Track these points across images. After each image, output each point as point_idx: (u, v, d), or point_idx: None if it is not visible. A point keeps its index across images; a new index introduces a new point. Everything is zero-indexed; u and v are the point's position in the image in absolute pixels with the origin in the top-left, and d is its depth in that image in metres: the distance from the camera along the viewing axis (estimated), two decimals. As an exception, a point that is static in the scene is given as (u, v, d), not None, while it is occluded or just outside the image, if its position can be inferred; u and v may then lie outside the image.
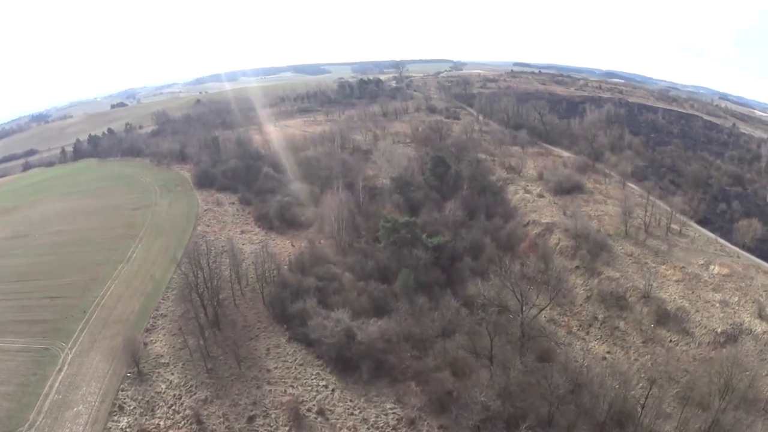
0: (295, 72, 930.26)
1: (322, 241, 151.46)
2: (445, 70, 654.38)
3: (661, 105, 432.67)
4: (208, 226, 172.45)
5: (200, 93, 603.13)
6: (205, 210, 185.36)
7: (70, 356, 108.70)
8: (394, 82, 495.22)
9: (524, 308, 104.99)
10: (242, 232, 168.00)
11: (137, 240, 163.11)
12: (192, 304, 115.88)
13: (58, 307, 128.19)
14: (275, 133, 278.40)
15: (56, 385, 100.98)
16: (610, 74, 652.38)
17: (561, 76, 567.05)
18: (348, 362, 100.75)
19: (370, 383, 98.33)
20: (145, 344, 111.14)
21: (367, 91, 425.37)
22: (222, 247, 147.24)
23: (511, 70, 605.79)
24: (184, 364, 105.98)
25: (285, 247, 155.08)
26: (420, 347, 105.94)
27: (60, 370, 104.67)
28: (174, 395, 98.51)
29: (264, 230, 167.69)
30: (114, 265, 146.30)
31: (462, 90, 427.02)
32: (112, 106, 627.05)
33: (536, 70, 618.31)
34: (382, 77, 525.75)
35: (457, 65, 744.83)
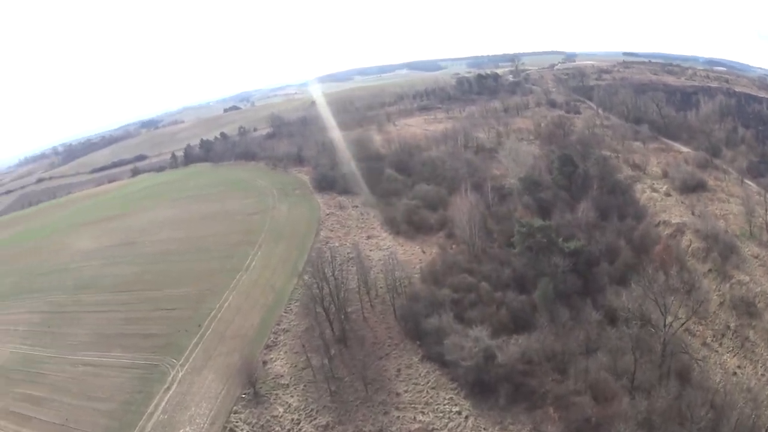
0: (410, 69, 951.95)
1: (453, 246, 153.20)
2: (559, 62, 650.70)
3: (764, 95, 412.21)
4: (332, 231, 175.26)
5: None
6: (327, 214, 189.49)
7: (181, 374, 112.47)
8: (511, 76, 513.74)
9: (666, 321, 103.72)
10: (368, 237, 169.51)
11: (256, 247, 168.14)
12: (317, 318, 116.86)
13: (171, 320, 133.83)
14: (395, 133, 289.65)
15: (163, 404, 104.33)
16: (712, 62, 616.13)
17: (671, 65, 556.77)
18: (485, 386, 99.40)
19: (506, 409, 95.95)
20: (264, 363, 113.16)
21: (485, 86, 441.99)
22: (348, 254, 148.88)
23: (623, 60, 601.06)
24: (305, 386, 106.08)
25: (415, 254, 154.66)
26: (560, 368, 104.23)
27: (168, 388, 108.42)
28: (292, 420, 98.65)
29: (392, 235, 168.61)
30: (231, 274, 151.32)
31: (579, 82, 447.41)
32: (225, 110, 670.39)
33: (646, 60, 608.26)
34: (499, 71, 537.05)
35: (570, 56, 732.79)
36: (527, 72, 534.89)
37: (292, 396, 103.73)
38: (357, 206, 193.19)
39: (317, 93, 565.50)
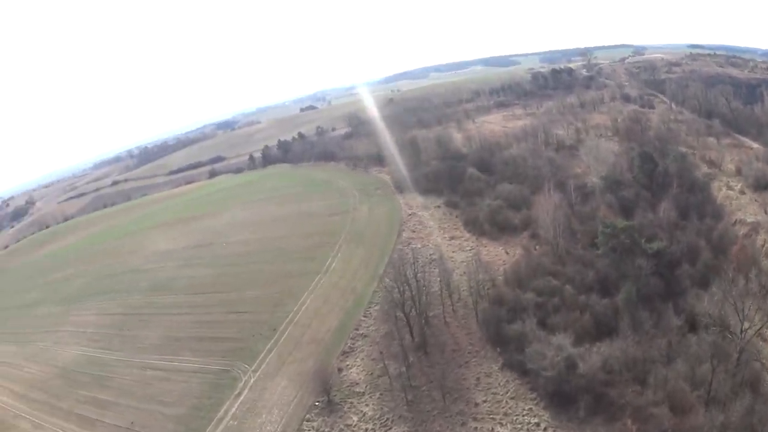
0: (485, 65, 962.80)
1: (537, 247, 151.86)
2: (629, 55, 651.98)
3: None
4: (414, 232, 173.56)
5: (391, 92, 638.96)
6: (409, 215, 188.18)
7: (253, 380, 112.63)
8: (584, 70, 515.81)
9: (743, 327, 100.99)
10: (451, 238, 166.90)
11: (336, 248, 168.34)
12: (396, 323, 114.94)
13: (245, 323, 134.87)
14: (475, 131, 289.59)
15: (233, 410, 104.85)
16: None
17: (735, 57, 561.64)
18: (565, 397, 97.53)
19: (585, 421, 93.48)
20: (340, 369, 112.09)
21: (560, 81, 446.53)
22: (430, 255, 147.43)
23: (689, 53, 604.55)
24: (381, 394, 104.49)
25: (498, 255, 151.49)
26: (640, 377, 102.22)
27: (239, 394, 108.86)
28: (366, 429, 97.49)
29: (475, 236, 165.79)
30: (310, 277, 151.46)
31: (650, 76, 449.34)
32: (302, 110, 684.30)
33: (710, 52, 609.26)
34: (572, 66, 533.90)
35: (638, 50, 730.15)
36: (600, 66, 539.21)
37: (367, 405, 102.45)
38: (439, 206, 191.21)
39: (393, 91, 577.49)
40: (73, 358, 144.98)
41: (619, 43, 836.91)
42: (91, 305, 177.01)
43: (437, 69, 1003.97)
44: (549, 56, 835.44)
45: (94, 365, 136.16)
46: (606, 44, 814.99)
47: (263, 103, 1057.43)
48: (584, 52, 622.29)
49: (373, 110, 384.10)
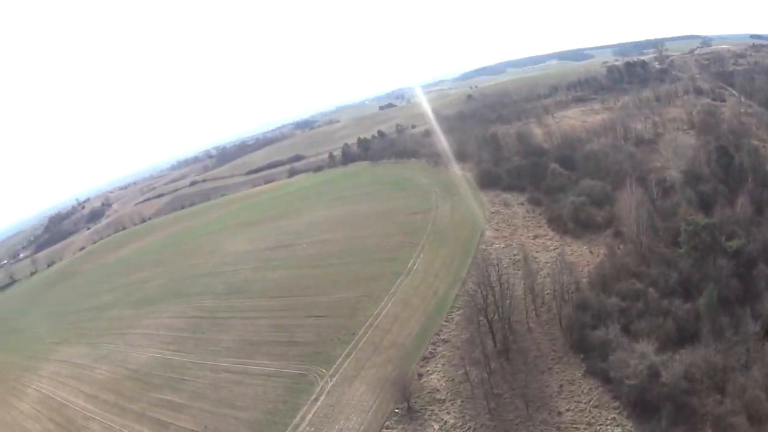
0: (560, 59, 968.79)
1: (620, 246, 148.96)
2: (697, 47, 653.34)
3: None
4: (497, 230, 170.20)
5: (470, 88, 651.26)
6: (492, 213, 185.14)
7: (330, 385, 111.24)
8: (656, 63, 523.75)
9: None
10: (535, 237, 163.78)
11: (418, 249, 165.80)
12: (479, 328, 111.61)
13: (323, 327, 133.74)
14: (555, 126, 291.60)
15: (309, 416, 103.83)
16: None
17: None
18: (647, 405, 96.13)
19: (668, 431, 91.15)
20: (420, 375, 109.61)
21: (635, 74, 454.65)
22: (513, 255, 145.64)
23: (752, 44, 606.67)
24: (463, 402, 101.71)
25: (583, 255, 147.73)
26: (719, 386, 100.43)
27: (316, 399, 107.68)
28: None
29: (558, 234, 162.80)
30: (392, 279, 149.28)
31: (719, 68, 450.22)
32: (381, 108, 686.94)
33: None
34: (644, 58, 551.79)
35: (706, 41, 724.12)
36: (671, 58, 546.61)
37: (448, 412, 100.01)
38: (523, 203, 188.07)
39: (471, 87, 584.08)
40: (146, 360, 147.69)
41: (687, 33, 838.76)
42: (166, 308, 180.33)
43: (514, 64, 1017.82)
44: (621, 49, 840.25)
45: (167, 368, 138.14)
46: (675, 35, 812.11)
47: (342, 101, 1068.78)
48: (655, 44, 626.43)
49: (428, 113, 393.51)
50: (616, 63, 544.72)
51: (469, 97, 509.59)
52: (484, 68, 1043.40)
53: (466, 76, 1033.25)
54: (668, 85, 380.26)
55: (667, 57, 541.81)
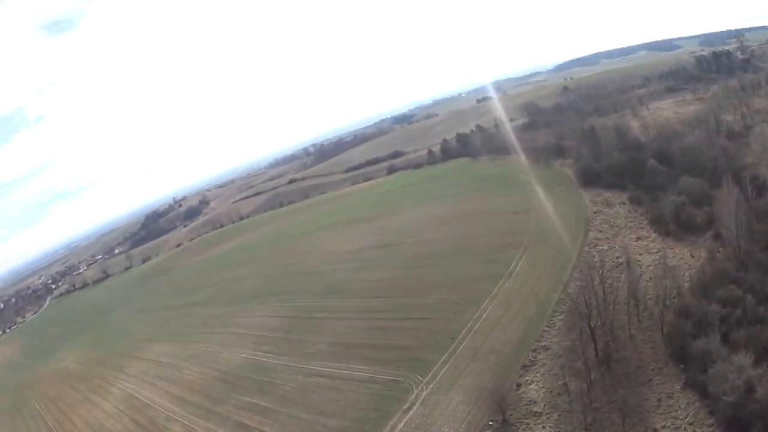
0: (649, 49, 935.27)
1: (720, 250, 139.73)
2: None
3: None
4: (600, 231, 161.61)
5: (565, 79, 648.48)
6: (594, 212, 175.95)
7: (425, 393, 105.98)
8: (739, 53, 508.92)
9: None
10: (637, 238, 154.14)
11: (520, 250, 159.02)
12: (581, 335, 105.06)
13: (421, 331, 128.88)
14: (650, 118, 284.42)
15: (401, 425, 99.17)
16: None
17: None
18: (740, 423, 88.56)
19: None
20: (518, 385, 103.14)
21: (721, 64, 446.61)
22: (616, 258, 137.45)
23: None
24: (560, 416, 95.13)
25: (684, 258, 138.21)
26: None
27: (409, 408, 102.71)
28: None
29: (660, 236, 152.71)
30: (493, 281, 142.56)
31: None
32: (478, 101, 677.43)
33: None
34: (729, 48, 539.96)
35: None
36: (752, 48, 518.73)
37: (543, 427, 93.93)
38: (624, 203, 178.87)
39: (567, 78, 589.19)
40: (237, 361, 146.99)
41: (763, 24, 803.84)
42: (260, 307, 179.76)
43: (606, 55, 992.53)
44: (705, 39, 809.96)
45: (257, 370, 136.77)
46: (754, 26, 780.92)
47: (438, 94, 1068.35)
48: (735, 35, 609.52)
49: (549, 99, 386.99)
50: (703, 53, 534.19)
51: (565, 88, 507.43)
52: (579, 59, 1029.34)
53: (560, 68, 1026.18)
54: (751, 75, 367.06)
55: (748, 47, 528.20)
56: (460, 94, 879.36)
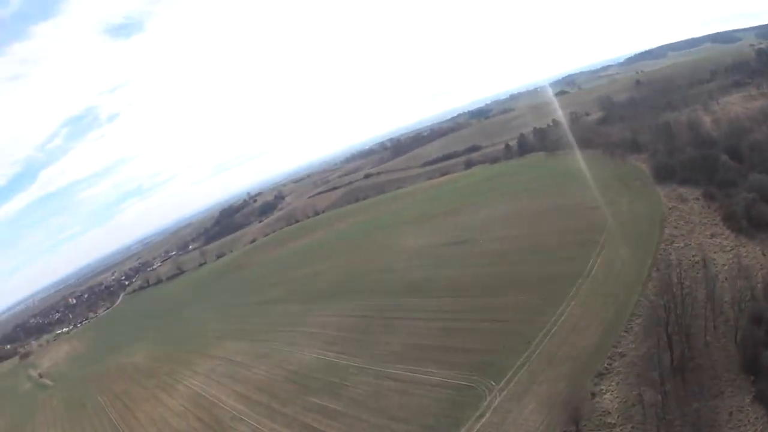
0: (713, 41, 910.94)
1: None
2: None
3: None
4: (676, 228, 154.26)
5: (636, 73, 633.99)
6: (669, 209, 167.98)
7: (498, 400, 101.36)
8: None
9: None
10: (711, 235, 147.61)
11: (598, 247, 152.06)
12: (658, 341, 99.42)
13: (497, 333, 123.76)
14: (721, 113, 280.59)
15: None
16: None
17: None
18: None
19: None
20: (593, 395, 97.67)
21: None
22: (692, 257, 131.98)
23: None
24: (633, 428, 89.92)
25: (756, 257, 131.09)
26: None
27: (481, 416, 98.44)
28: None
29: (733, 233, 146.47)
30: (571, 281, 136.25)
31: None
32: (555, 95, 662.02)
33: None
34: None
35: None
36: None
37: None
38: (698, 199, 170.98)
39: (638, 72, 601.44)
40: (307, 361, 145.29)
41: None
42: (334, 305, 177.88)
43: (673, 47, 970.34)
44: (760, 31, 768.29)
45: (328, 370, 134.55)
46: None
47: (513, 87, 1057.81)
48: None
49: (622, 92, 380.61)
50: (761, 46, 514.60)
51: (638, 82, 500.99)
52: (647, 52, 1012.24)
53: (630, 60, 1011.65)
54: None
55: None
56: (535, 89, 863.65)
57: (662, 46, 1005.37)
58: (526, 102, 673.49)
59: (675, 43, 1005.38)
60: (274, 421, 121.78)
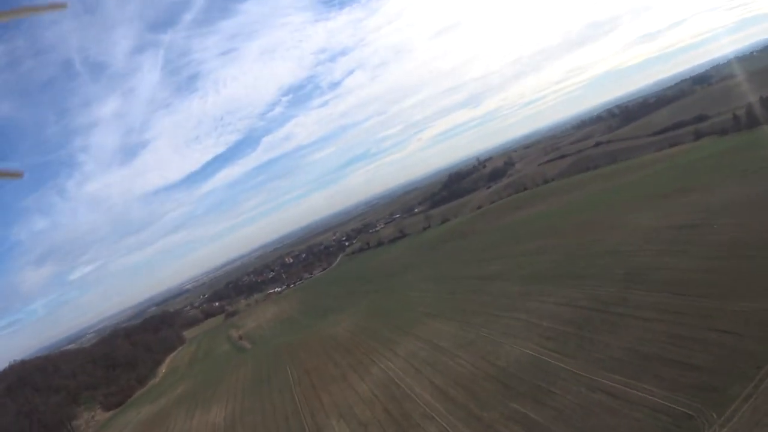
0: None
1: None
2: None
3: None
4: None
5: None
6: None
7: (716, 437, 74.06)
8: None
9: None
10: None
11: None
12: None
13: (726, 348, 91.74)
14: None
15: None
16: None
17: None
18: None
19: None
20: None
21: None
22: None
23: None
24: None
25: None
26: None
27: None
28: None
29: None
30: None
31: None
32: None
33: None
34: None
35: None
36: None
37: None
38: None
39: None
40: (516, 356, 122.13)
41: None
42: (555, 290, 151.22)
43: None
44: None
45: (537, 371, 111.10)
46: None
47: (730, 51, 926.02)
48: None
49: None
50: None
51: None
52: None
53: None
54: None
55: None
56: (751, 53, 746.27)
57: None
58: (750, 67, 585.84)
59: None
60: (467, 425, 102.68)
